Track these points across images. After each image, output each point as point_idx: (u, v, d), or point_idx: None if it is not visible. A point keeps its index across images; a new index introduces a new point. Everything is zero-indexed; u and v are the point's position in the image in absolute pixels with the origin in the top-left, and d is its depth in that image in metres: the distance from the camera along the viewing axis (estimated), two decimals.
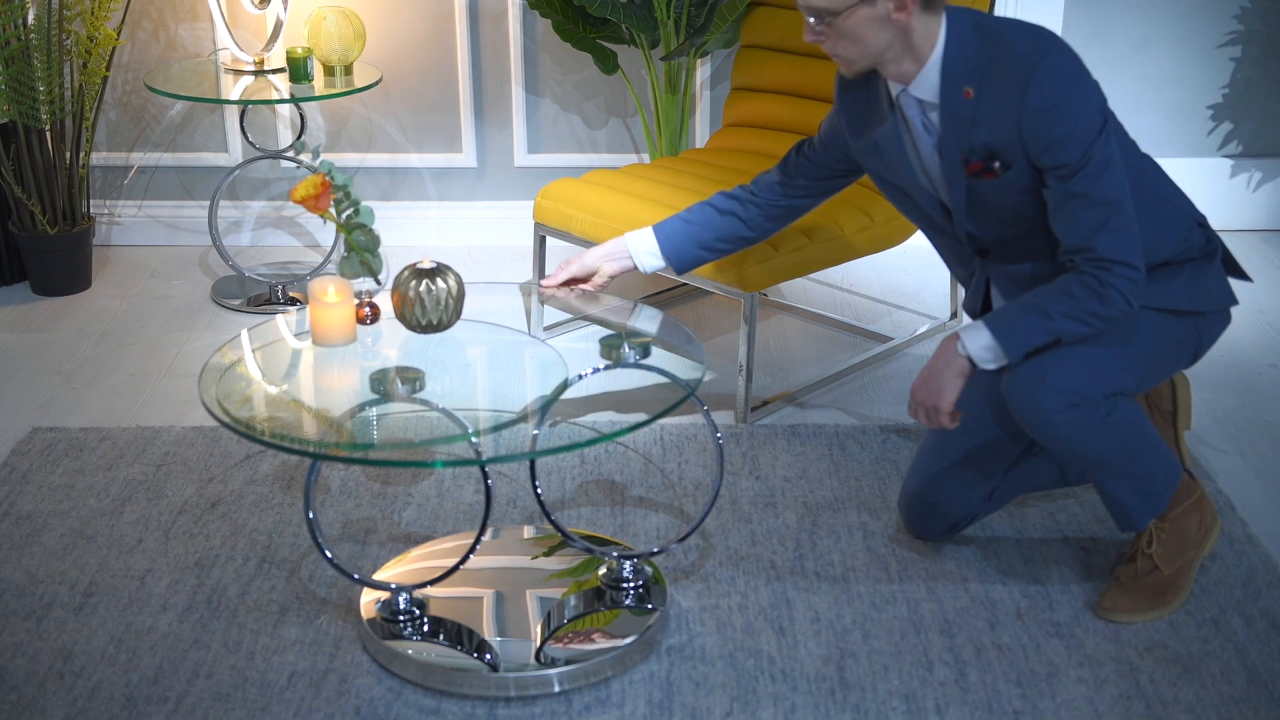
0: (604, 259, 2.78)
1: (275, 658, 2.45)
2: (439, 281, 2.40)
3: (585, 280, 2.76)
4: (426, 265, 2.41)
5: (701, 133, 4.25)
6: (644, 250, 2.80)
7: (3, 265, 4.07)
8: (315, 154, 2.48)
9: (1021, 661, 2.43)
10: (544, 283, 2.77)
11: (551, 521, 2.61)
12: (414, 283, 2.40)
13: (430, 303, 2.40)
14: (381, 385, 2.36)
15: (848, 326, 3.77)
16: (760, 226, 2.82)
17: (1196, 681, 2.38)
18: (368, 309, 2.50)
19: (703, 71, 4.19)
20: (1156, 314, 2.47)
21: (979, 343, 2.42)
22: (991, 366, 2.43)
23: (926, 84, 2.40)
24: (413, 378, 2.35)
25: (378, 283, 2.49)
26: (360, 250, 2.44)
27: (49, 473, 3.04)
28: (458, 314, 2.45)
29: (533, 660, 2.37)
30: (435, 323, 2.42)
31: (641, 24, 3.82)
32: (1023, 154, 2.36)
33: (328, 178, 2.39)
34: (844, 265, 4.04)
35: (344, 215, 2.43)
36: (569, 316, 3.17)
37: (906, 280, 4.09)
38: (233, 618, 2.55)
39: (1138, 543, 2.58)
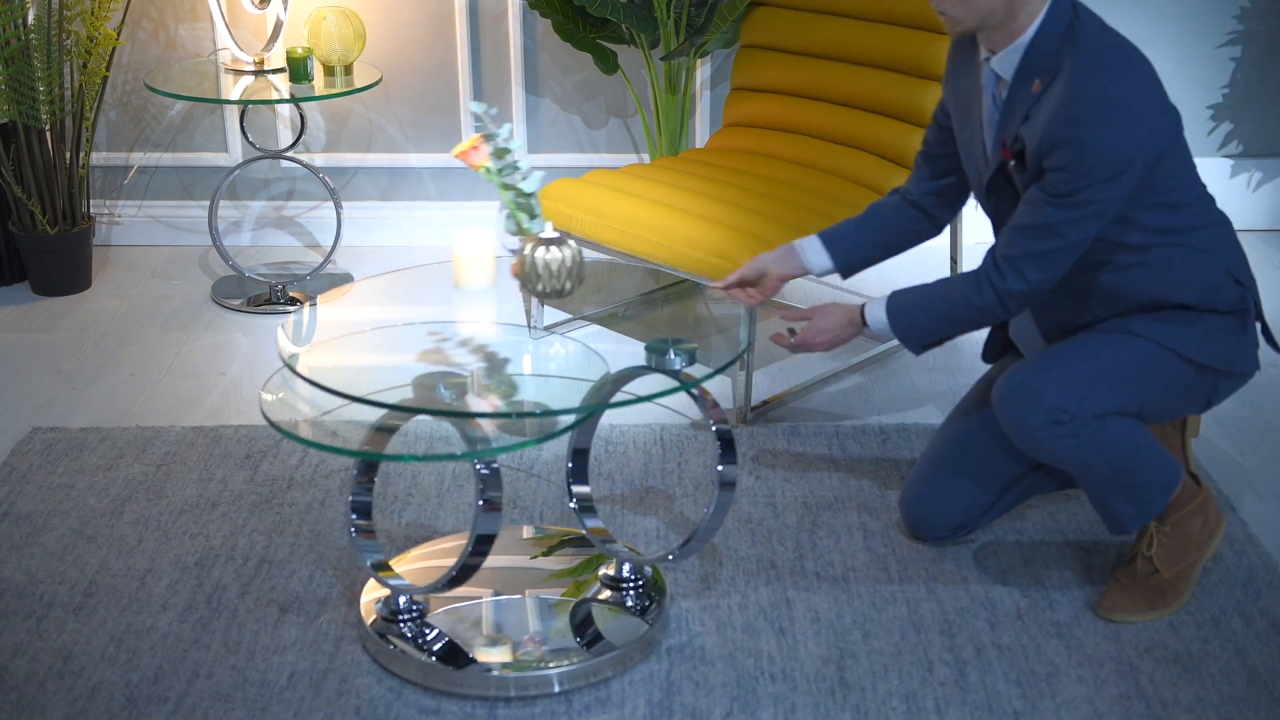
0: (773, 263, 2.75)
1: (275, 658, 2.45)
2: (558, 251, 2.44)
3: (755, 283, 2.75)
4: (549, 234, 2.45)
5: (701, 133, 4.24)
6: (811, 250, 2.76)
7: (3, 265, 4.07)
8: (492, 114, 2.51)
9: (1021, 661, 2.43)
10: (715, 284, 2.77)
11: (577, 515, 2.61)
12: (535, 252, 2.45)
13: (551, 270, 2.44)
14: (433, 391, 2.37)
15: None
16: (918, 219, 2.77)
17: (1196, 681, 2.38)
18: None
19: (703, 71, 4.19)
20: (1169, 354, 2.46)
21: (880, 326, 2.58)
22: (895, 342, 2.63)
23: (1008, 62, 2.41)
24: (455, 383, 2.37)
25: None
26: (515, 210, 2.50)
27: (49, 473, 3.04)
28: (579, 281, 2.48)
29: (533, 660, 2.37)
30: (554, 290, 2.46)
31: (641, 24, 3.82)
32: (1039, 164, 2.37)
33: (490, 137, 2.47)
34: None
35: (508, 177, 2.50)
36: (568, 316, 3.17)
37: (906, 280, 4.08)
38: (233, 618, 2.55)
39: (1138, 544, 2.58)
